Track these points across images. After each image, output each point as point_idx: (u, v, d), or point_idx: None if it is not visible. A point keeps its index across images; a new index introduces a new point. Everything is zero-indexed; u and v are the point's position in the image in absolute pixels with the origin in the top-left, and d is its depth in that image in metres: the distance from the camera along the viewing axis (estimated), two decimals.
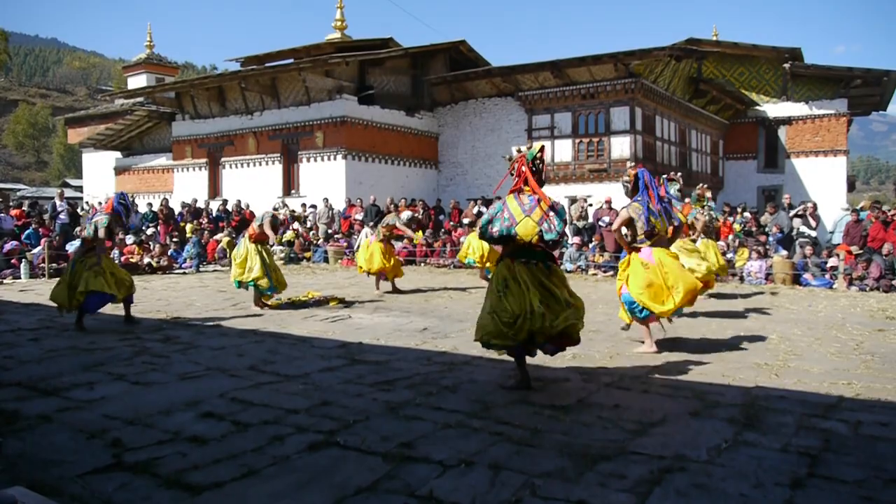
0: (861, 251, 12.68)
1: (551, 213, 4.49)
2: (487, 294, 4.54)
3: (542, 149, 4.75)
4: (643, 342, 5.93)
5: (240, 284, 8.72)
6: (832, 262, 12.54)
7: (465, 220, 17.02)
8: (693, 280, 5.85)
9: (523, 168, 4.64)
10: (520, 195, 4.61)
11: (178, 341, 6.24)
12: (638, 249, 5.82)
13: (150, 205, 19.70)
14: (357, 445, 3.32)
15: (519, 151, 4.78)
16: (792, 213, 15.57)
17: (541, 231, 4.44)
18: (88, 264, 7.03)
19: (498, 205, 4.67)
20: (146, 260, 14.55)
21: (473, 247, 11.45)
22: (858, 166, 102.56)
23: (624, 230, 5.96)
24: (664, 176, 8.16)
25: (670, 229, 5.99)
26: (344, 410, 3.94)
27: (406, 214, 11.07)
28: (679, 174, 8.53)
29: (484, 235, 4.67)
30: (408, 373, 4.94)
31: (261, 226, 8.69)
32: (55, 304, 7.12)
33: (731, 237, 14.34)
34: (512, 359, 4.63)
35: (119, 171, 26.49)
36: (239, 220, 18.23)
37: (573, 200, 17.60)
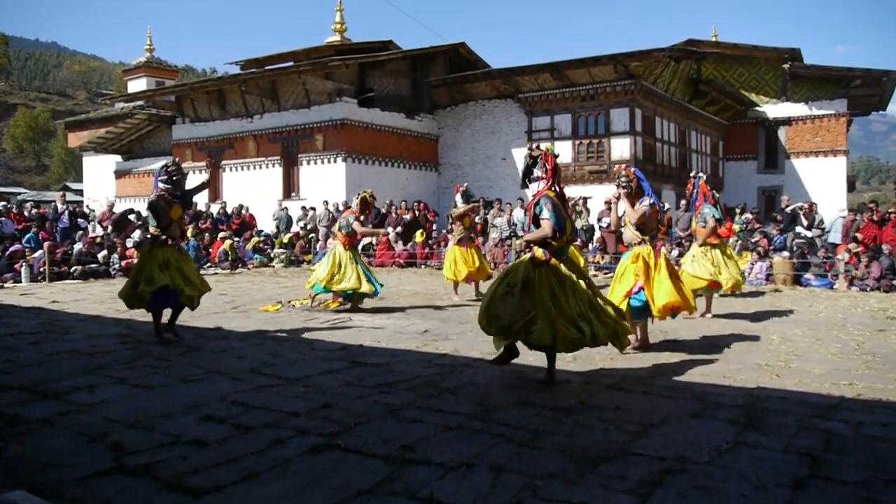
0: (866, 251, 12.67)
1: (574, 215, 4.62)
2: (542, 297, 4.43)
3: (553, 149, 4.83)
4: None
5: (326, 290, 8.44)
6: (843, 258, 12.50)
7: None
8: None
9: (554, 166, 4.68)
10: (556, 194, 4.66)
11: (178, 344, 6.23)
12: (654, 247, 5.88)
13: None
14: (358, 448, 3.32)
15: (531, 149, 4.80)
16: (790, 207, 15.63)
17: (574, 230, 4.58)
18: (158, 259, 6.26)
19: (547, 201, 4.60)
20: None
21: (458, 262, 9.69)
22: (858, 166, 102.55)
23: (632, 230, 5.98)
24: (704, 175, 8.24)
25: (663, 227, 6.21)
26: (344, 413, 3.93)
27: (459, 199, 10.07)
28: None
29: (556, 234, 4.57)
30: (408, 375, 4.94)
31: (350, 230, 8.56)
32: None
33: (731, 239, 14.34)
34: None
35: (119, 174, 26.52)
36: (239, 223, 18.23)
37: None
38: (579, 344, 4.49)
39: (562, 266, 4.56)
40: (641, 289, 5.72)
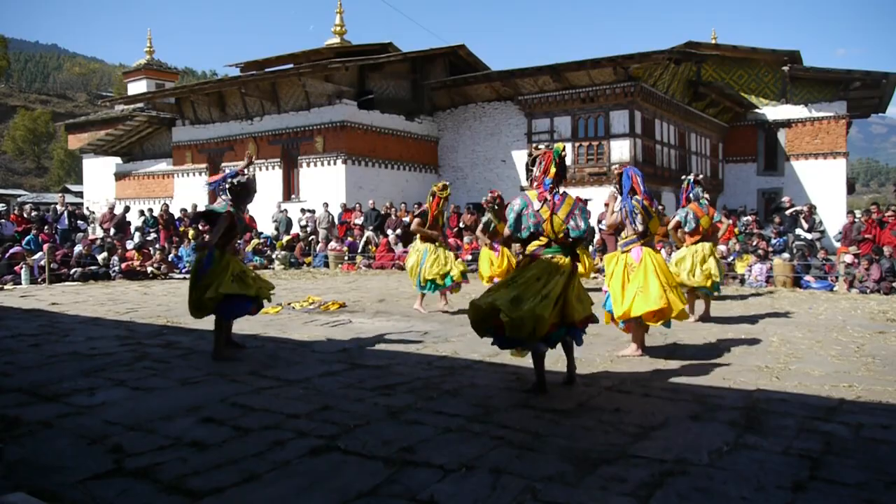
0: (866, 253, 12.68)
1: (577, 211, 4.53)
2: (514, 288, 4.32)
3: (563, 148, 4.73)
4: (630, 344, 5.94)
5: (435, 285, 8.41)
6: (843, 259, 12.51)
7: (462, 225, 16.96)
8: (662, 299, 5.55)
9: (551, 165, 4.61)
10: (547, 193, 4.57)
11: (178, 346, 6.23)
12: (627, 250, 5.87)
13: (150, 210, 19.73)
14: (358, 450, 3.32)
15: (537, 149, 4.78)
16: (790, 210, 15.64)
17: (567, 229, 4.49)
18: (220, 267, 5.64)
19: (521, 201, 4.57)
20: (149, 269, 14.55)
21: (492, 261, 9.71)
22: (858, 168, 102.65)
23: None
24: (690, 177, 8.19)
25: (662, 229, 6.11)
26: (344, 415, 3.93)
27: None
28: (701, 175, 8.52)
29: (513, 234, 4.58)
30: (408, 377, 4.93)
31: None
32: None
33: (731, 241, 14.35)
34: (517, 361, 4.64)
35: (119, 176, 26.54)
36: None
37: None
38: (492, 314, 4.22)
39: (545, 261, 4.44)
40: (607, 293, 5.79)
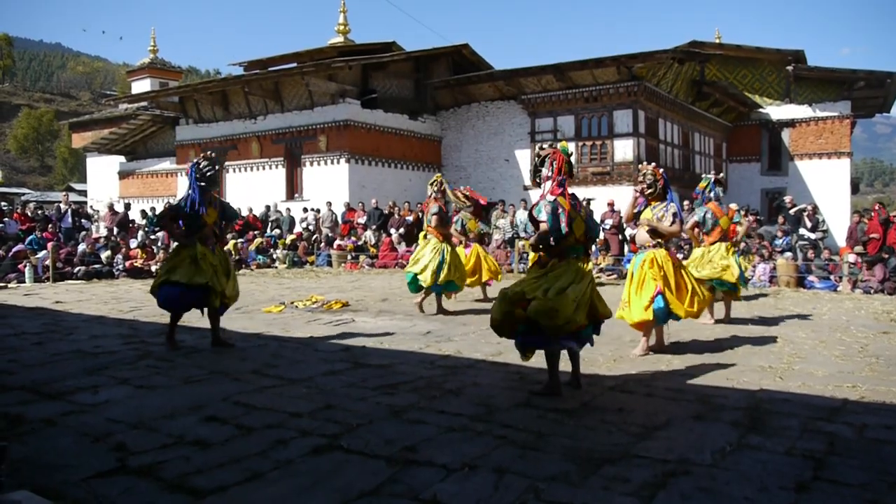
0: (869, 254, 12.63)
1: (592, 212, 4.55)
2: (561, 279, 4.30)
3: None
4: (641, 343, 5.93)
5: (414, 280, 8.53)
6: (850, 259, 12.46)
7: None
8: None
9: (563, 164, 4.56)
10: (566, 193, 4.51)
11: (181, 345, 6.23)
12: (668, 250, 5.87)
13: (153, 209, 19.76)
14: (360, 449, 3.32)
15: (542, 148, 4.74)
16: (794, 209, 15.59)
17: (588, 229, 4.52)
18: (188, 255, 5.80)
19: (549, 202, 4.42)
20: (153, 268, 14.56)
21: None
22: (862, 168, 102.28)
23: (646, 230, 5.95)
24: (711, 176, 8.19)
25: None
26: (347, 414, 3.94)
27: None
28: (722, 175, 8.49)
29: (558, 235, 4.36)
30: (411, 376, 4.93)
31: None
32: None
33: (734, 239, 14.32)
34: (521, 361, 4.61)
35: (123, 175, 26.59)
36: (242, 224, 18.25)
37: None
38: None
39: (573, 261, 4.45)
40: (661, 293, 5.67)
